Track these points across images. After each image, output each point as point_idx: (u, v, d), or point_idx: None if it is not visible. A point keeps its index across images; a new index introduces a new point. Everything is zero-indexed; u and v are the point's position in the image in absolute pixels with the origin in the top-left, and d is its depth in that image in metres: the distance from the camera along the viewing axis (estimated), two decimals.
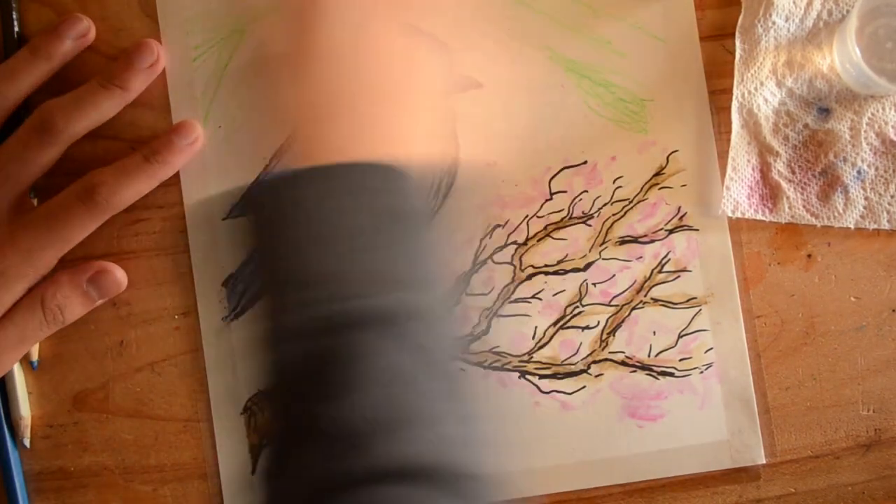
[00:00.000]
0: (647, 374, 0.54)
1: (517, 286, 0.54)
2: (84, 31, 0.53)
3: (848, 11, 0.52)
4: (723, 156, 0.54)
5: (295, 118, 0.43)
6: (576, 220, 0.54)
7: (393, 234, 0.40)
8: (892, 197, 0.53)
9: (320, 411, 0.38)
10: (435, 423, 0.38)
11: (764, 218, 0.54)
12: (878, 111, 0.53)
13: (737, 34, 0.53)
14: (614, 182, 0.54)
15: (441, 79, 0.46)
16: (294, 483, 0.38)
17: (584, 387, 0.54)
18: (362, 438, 0.37)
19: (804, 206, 0.53)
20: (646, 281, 0.54)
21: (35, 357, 0.54)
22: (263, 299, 0.42)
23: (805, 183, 0.53)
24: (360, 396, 0.38)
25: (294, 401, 0.39)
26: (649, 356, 0.54)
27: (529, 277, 0.54)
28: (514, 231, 0.54)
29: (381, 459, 0.36)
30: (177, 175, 0.54)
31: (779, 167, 0.53)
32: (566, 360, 0.54)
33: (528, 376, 0.54)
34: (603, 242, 0.54)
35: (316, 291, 0.39)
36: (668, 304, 0.54)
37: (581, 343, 0.54)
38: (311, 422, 0.38)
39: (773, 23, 0.53)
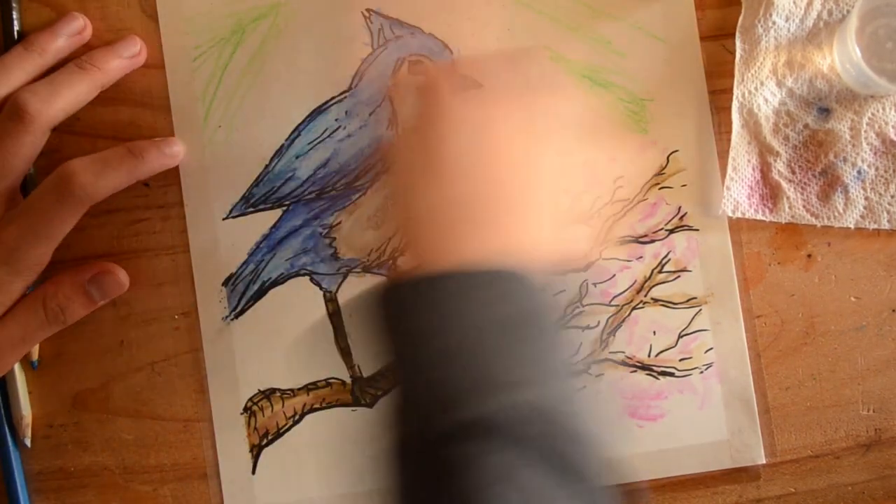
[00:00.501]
0: (647, 374, 0.54)
1: None
2: (79, 28, 0.53)
3: (848, 11, 0.52)
4: (723, 156, 0.54)
5: (417, 225, 0.42)
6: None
7: (514, 338, 0.39)
8: (892, 197, 0.53)
9: None
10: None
11: (764, 218, 0.54)
12: (878, 111, 0.53)
13: (737, 34, 0.53)
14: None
15: (563, 178, 0.45)
16: None
17: (584, 387, 0.54)
18: None
19: (804, 206, 0.53)
20: (646, 281, 0.54)
21: (35, 357, 0.54)
22: (390, 408, 0.41)
23: (805, 183, 0.53)
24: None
25: None
26: (649, 356, 0.54)
27: None
28: None
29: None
30: (177, 175, 0.54)
31: (779, 167, 0.53)
32: None
33: None
34: (603, 242, 0.54)
35: (431, 401, 0.38)
36: (668, 304, 0.54)
37: (581, 343, 0.54)
38: None
39: (774, 23, 0.53)
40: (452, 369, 0.39)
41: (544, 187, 0.44)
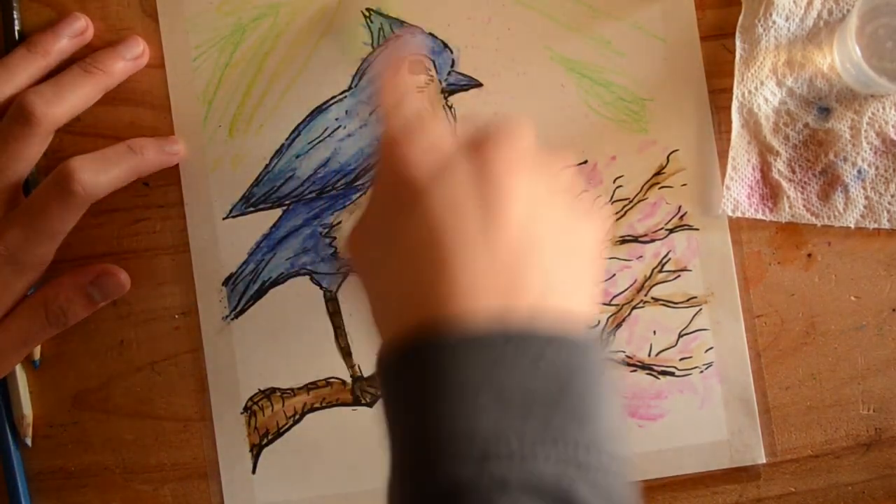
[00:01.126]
0: (648, 374, 0.54)
1: None
2: (81, 29, 0.53)
3: (848, 11, 0.52)
4: (723, 155, 0.54)
5: (480, 281, 0.38)
6: None
7: (568, 399, 0.37)
8: (892, 196, 0.53)
9: None
10: None
11: (764, 217, 0.54)
12: (878, 110, 0.53)
13: (737, 34, 0.53)
14: (614, 181, 0.54)
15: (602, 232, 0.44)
16: None
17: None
18: None
19: (804, 206, 0.53)
20: (646, 280, 0.54)
21: (37, 357, 0.54)
22: (403, 459, 0.38)
23: (805, 182, 0.53)
24: None
25: None
26: (649, 356, 0.54)
27: None
28: None
29: None
30: (177, 175, 0.54)
31: (779, 166, 0.53)
32: None
33: None
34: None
35: (481, 447, 0.35)
36: (668, 303, 0.54)
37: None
38: None
39: (774, 22, 0.53)
40: (497, 419, 0.36)
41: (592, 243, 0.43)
